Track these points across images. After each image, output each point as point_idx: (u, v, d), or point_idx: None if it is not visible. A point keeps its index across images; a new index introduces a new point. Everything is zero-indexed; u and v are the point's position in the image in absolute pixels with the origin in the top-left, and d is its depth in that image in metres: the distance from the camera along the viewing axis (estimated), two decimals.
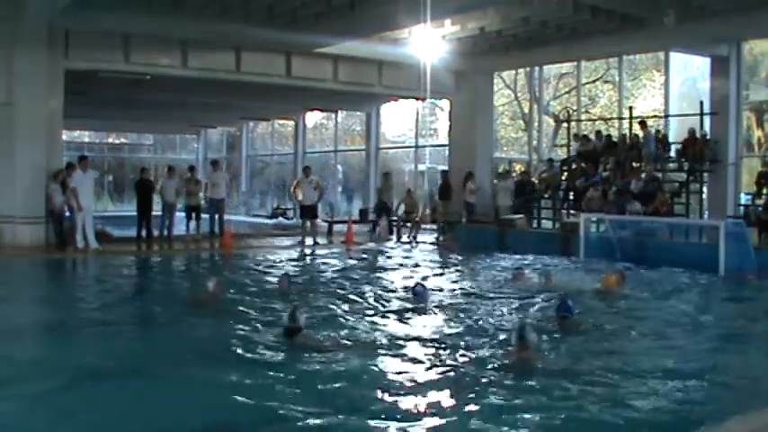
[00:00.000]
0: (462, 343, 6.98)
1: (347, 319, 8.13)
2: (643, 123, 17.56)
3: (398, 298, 9.55)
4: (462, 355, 6.49)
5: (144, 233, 16.75)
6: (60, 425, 4.78)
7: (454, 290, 10.41)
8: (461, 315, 8.47)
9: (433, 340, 7.10)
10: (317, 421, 4.75)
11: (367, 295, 9.73)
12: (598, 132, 18.76)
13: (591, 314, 8.49)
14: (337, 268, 13.05)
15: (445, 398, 5.33)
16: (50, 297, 10.25)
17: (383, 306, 9.02)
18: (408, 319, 8.24)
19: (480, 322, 8.03)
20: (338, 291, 10.14)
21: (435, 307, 8.90)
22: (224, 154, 32.41)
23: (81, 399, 5.23)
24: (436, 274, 12.28)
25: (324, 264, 14.05)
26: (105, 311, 8.80)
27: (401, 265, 13.75)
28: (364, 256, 15.34)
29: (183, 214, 17.67)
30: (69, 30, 15.24)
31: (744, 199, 16.10)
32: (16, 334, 7.36)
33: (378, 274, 12.22)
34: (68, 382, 5.57)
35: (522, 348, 6.22)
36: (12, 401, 5.10)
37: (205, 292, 9.11)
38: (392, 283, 11.09)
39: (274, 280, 10.89)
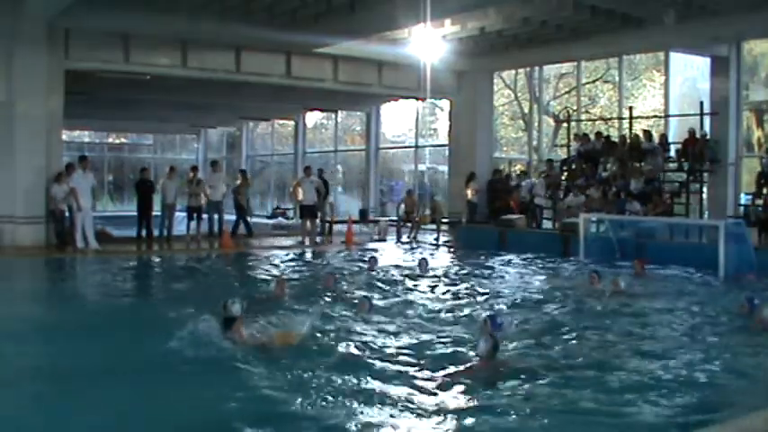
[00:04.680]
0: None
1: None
2: (647, 134, 17.53)
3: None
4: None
5: (144, 233, 16.77)
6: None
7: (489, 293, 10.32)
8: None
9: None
10: None
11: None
12: (598, 133, 18.77)
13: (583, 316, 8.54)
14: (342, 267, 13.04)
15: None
16: (51, 297, 10.26)
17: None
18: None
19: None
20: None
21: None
22: (224, 154, 32.40)
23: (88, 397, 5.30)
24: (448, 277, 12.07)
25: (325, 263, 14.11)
26: (109, 311, 8.82)
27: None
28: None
29: (184, 214, 17.67)
30: (69, 30, 15.23)
31: (744, 199, 16.10)
32: (17, 333, 7.35)
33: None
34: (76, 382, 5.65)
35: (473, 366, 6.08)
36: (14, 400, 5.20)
37: (267, 292, 9.20)
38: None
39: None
